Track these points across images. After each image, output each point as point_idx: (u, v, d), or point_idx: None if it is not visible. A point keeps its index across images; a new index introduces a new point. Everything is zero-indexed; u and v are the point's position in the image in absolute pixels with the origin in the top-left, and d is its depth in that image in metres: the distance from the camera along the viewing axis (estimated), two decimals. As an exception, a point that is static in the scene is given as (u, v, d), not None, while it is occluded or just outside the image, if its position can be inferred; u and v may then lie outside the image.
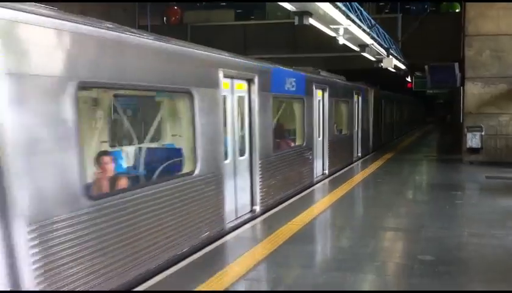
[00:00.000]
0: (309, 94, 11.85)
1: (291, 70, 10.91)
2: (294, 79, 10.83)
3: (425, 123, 49.66)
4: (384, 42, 15.18)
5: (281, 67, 10.33)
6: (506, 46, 15.57)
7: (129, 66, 5.49)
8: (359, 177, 13.39)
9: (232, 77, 8.09)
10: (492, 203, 10.06)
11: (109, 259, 4.99)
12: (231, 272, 5.81)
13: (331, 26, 11.09)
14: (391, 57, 15.94)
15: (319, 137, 12.78)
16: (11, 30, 4.06)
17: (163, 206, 5.93)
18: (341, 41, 12.20)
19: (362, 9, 12.60)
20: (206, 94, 7.05)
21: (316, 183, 12.20)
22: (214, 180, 7.23)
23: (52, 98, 4.42)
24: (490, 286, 5.46)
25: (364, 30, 12.00)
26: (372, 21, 12.99)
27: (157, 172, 6.86)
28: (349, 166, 15.42)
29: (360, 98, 17.22)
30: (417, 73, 22.95)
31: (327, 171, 13.34)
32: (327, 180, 12.76)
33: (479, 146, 15.84)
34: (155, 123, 7.90)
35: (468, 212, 9.48)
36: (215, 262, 6.21)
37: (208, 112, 7.08)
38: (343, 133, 15.53)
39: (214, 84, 7.32)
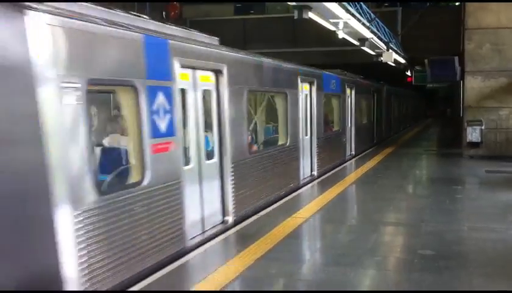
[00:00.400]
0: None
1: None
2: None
3: (425, 117, 49.64)
4: (384, 36, 15.15)
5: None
6: (506, 39, 15.52)
7: None
8: (353, 176, 13.37)
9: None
10: (492, 197, 10.05)
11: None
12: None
13: (331, 20, 11.05)
14: (390, 51, 15.91)
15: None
16: None
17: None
18: (341, 35, 12.16)
19: (361, 3, 12.57)
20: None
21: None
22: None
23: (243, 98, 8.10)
24: (491, 280, 5.45)
25: (363, 24, 11.96)
26: (371, 14, 12.96)
27: None
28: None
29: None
30: (417, 67, 22.93)
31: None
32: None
33: (479, 140, 15.82)
34: None
35: (468, 207, 9.47)
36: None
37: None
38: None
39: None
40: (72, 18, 4.71)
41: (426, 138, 26.05)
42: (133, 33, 5.58)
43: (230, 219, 7.71)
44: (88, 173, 4.75)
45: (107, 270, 4.98)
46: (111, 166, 6.09)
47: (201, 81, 7.09)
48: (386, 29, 16.17)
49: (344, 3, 10.23)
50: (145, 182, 5.57)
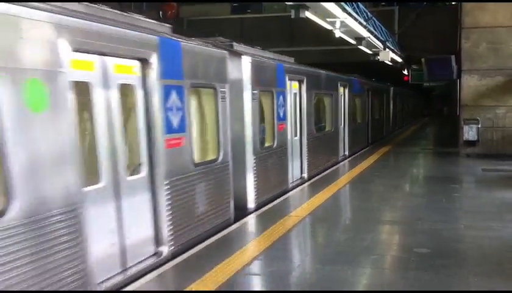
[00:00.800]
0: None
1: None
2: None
3: (422, 116, 49.72)
4: (381, 35, 15.17)
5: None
6: (503, 38, 15.56)
7: None
8: (348, 175, 13.39)
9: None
10: (489, 195, 10.08)
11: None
12: None
13: (328, 19, 11.06)
14: (387, 50, 15.93)
15: (295, 135, 11.59)
16: None
17: None
18: (338, 34, 12.18)
19: (358, 2, 12.58)
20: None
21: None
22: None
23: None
24: (487, 278, 5.47)
25: (360, 23, 11.98)
26: (368, 13, 12.98)
27: None
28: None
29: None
30: (414, 66, 22.96)
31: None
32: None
33: (475, 139, 15.87)
34: None
35: (465, 205, 9.50)
36: None
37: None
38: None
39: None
40: (257, 58, 9.21)
41: (423, 137, 26.10)
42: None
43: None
44: (258, 136, 9.05)
45: (263, 188, 9.21)
46: (262, 135, 9.49)
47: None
48: (383, 28, 16.19)
49: (341, 2, 10.25)
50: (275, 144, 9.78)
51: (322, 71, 13.55)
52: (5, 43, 4.04)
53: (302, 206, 9.06)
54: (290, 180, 11.02)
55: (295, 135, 11.55)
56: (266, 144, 9.77)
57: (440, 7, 20.85)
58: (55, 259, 4.39)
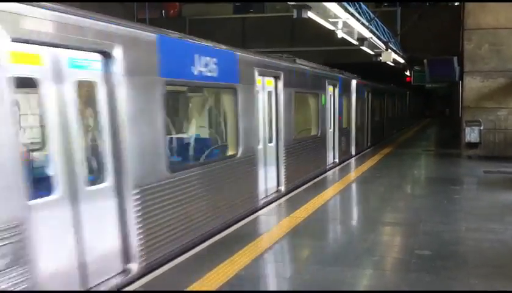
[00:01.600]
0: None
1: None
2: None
3: (424, 117, 49.68)
4: (383, 35, 15.14)
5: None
6: (505, 40, 15.53)
7: None
8: (351, 176, 13.35)
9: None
10: (490, 198, 10.06)
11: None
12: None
13: (330, 20, 11.05)
14: (389, 50, 15.90)
15: (269, 142, 9.91)
16: None
17: None
18: (340, 34, 12.16)
19: (361, 2, 12.55)
20: None
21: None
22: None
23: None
24: (488, 280, 5.45)
25: (362, 24, 11.96)
26: (370, 14, 12.96)
27: None
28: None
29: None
30: (416, 67, 22.92)
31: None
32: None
33: (477, 141, 15.84)
34: None
35: (466, 207, 9.46)
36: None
37: None
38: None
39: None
40: None
41: (425, 139, 26.06)
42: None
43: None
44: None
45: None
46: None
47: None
48: (385, 29, 16.17)
49: (343, 2, 10.23)
50: None
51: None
52: None
53: (301, 207, 9.04)
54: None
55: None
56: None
57: (442, 8, 20.80)
58: None
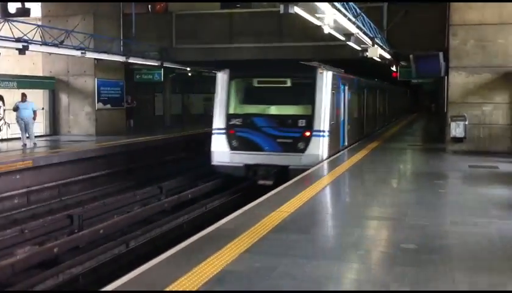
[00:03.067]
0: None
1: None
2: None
3: (411, 112, 49.96)
4: (370, 31, 15.17)
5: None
6: (490, 35, 15.67)
7: None
8: (339, 169, 13.42)
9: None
10: (475, 192, 10.18)
11: None
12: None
13: (317, 15, 11.06)
14: (376, 46, 15.93)
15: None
16: None
17: None
18: (327, 30, 12.18)
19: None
20: None
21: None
22: None
23: None
24: (473, 274, 5.52)
25: (349, 19, 11.97)
26: (357, 9, 12.97)
27: None
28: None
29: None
30: (403, 63, 23.02)
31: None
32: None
33: (463, 136, 15.97)
34: None
35: (451, 201, 9.57)
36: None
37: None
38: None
39: None
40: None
41: (411, 134, 26.22)
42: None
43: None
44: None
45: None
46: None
47: None
48: (372, 24, 16.20)
49: (330, -2, 10.24)
50: None
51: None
52: None
53: (289, 201, 9.07)
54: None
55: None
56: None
57: (429, 4, 20.87)
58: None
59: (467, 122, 15.89)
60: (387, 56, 20.02)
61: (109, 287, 5.11)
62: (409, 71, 22.00)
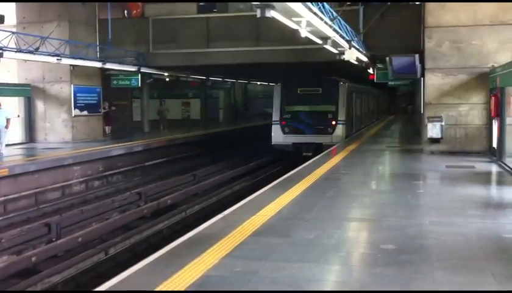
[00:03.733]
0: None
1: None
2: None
3: (389, 113, 50.43)
4: (347, 34, 15.27)
5: None
6: (465, 37, 15.87)
7: None
8: (317, 172, 13.47)
9: None
10: (452, 192, 10.28)
11: None
12: (196, 266, 5.75)
13: (294, 19, 11.09)
14: (352, 49, 16.05)
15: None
16: None
17: None
18: (303, 34, 12.23)
19: (324, 2, 12.61)
20: None
21: None
22: None
23: None
24: (452, 272, 5.57)
25: (326, 23, 12.03)
26: (333, 13, 13.05)
27: None
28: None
29: None
30: (379, 65, 23.23)
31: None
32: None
33: (439, 136, 16.15)
34: None
35: (429, 201, 9.66)
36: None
37: None
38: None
39: None
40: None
41: (389, 135, 26.45)
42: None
43: None
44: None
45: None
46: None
47: None
48: (348, 28, 16.30)
49: (306, 2, 10.27)
50: None
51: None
52: None
53: (269, 205, 9.06)
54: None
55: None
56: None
57: (404, 7, 21.08)
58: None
59: (443, 123, 16.07)
60: (364, 59, 20.17)
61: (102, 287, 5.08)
62: (386, 73, 22.23)
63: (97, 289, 5.23)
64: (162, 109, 31.37)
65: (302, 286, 5.28)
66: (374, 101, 38.40)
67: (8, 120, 17.43)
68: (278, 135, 23.17)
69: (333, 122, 22.66)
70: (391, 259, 6.04)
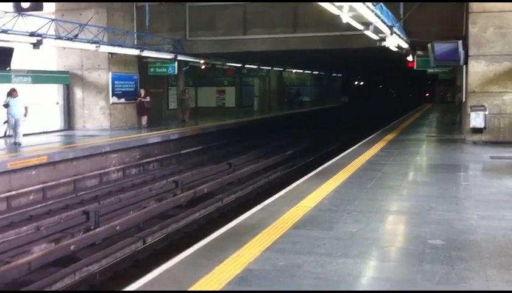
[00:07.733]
0: None
1: None
2: None
3: (426, 102, 49.63)
4: (388, 20, 14.87)
5: None
6: (510, 23, 15.31)
7: None
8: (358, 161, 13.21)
9: None
10: (499, 184, 9.91)
11: None
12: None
13: (336, 4, 10.81)
14: (394, 35, 15.64)
15: None
16: None
17: None
18: (345, 19, 11.93)
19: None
20: None
21: None
22: None
23: None
24: (505, 271, 5.30)
25: (368, 7, 11.70)
26: (375, -2, 12.68)
27: None
28: None
29: None
30: (419, 52, 22.68)
31: None
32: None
33: (482, 126, 15.65)
34: None
35: (475, 194, 9.30)
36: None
37: None
38: None
39: None
40: None
41: (428, 124, 25.91)
42: None
43: None
44: None
45: None
46: None
47: None
48: (390, 13, 15.89)
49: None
50: None
51: None
52: None
53: (308, 195, 8.88)
54: None
55: None
56: None
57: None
58: None
59: (487, 112, 15.56)
60: (405, 45, 19.70)
61: (131, 288, 4.99)
62: (426, 61, 21.67)
63: (131, 286, 5.15)
64: (185, 98, 26.76)
65: (348, 283, 5.10)
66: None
67: (26, 108, 16.56)
68: None
69: None
70: (440, 255, 5.78)
